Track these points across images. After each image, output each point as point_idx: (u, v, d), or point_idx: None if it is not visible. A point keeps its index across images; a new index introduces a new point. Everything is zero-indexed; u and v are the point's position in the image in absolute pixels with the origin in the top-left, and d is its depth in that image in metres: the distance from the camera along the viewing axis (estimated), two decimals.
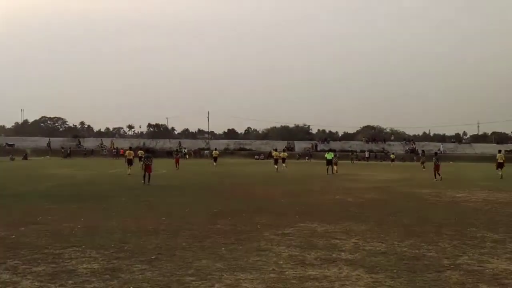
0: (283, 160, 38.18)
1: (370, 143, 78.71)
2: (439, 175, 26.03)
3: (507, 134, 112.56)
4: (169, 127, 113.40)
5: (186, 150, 69.16)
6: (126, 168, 28.89)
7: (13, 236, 8.49)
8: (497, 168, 29.17)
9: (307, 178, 26.79)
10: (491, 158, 60.84)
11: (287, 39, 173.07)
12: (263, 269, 6.46)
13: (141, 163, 23.47)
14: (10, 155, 54.36)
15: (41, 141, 78.16)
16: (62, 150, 67.11)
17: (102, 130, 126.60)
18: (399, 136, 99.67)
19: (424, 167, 37.69)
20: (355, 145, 77.66)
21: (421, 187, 20.74)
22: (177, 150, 44.11)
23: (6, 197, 15.12)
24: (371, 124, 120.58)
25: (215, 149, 47.99)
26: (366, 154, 64.53)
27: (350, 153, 62.13)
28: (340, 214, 11.80)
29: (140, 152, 32.23)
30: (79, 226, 9.57)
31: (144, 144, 75.76)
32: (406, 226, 10.15)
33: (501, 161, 29.51)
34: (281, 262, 6.84)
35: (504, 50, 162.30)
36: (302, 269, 6.51)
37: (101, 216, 11.15)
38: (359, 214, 11.86)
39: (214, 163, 41.95)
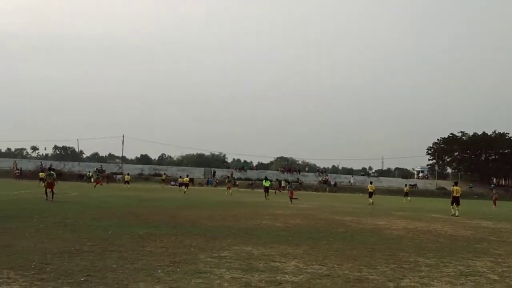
0: (186, 185, 44.79)
1: (285, 173, 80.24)
2: (292, 200, 30.83)
3: (409, 170, 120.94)
4: (78, 150, 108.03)
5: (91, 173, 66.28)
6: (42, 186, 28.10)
7: None
8: (369, 197, 34.58)
9: (229, 204, 26.34)
10: (396, 192, 64.69)
11: (203, 69, 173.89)
12: None
13: (44, 181, 24.91)
14: None
15: None
16: None
17: (3, 150, 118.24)
18: (311, 168, 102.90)
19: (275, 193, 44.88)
20: (271, 174, 78.74)
21: (342, 215, 21.15)
22: (98, 173, 45.65)
23: None
24: (285, 156, 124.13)
25: (128, 174, 53.50)
26: (283, 183, 65.51)
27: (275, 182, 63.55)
28: (272, 238, 11.54)
29: (41, 174, 32.28)
30: None
31: (51, 165, 71.56)
32: (340, 250, 10.11)
33: (371, 190, 35.37)
34: (226, 285, 6.40)
35: (407, 89, 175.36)
36: None
37: (12, 236, 9.98)
38: (291, 238, 11.68)
39: (127, 186, 42.90)
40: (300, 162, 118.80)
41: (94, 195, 29.63)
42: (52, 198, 22.06)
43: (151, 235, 11.24)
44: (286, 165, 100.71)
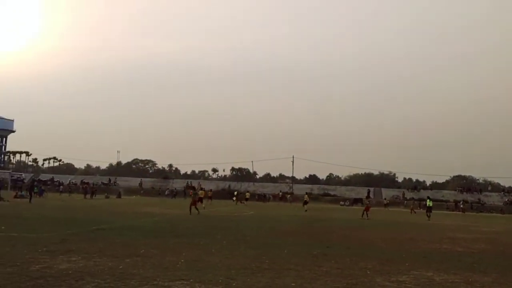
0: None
1: (464, 193, 74.02)
2: (367, 215, 30.83)
3: None
4: (252, 171, 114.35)
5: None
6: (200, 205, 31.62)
7: (121, 267, 8.48)
8: None
9: (402, 225, 25.19)
10: None
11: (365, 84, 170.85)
12: None
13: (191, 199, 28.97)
14: (106, 194, 57.17)
15: (133, 181, 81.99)
16: (172, 190, 70.12)
17: (189, 172, 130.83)
18: (495, 187, 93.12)
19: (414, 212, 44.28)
20: (448, 194, 73.41)
21: None
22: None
23: (106, 230, 15.52)
24: (462, 174, 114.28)
25: (306, 193, 51.31)
26: (461, 205, 60.51)
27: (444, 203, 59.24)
28: (454, 264, 10.73)
29: (201, 192, 35.51)
30: (182, 261, 9.43)
31: (229, 186, 77.44)
32: None
33: None
34: None
35: None
36: None
37: (201, 251, 10.99)
38: (476, 265, 10.71)
39: (304, 207, 43.90)
40: (481, 180, 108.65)
41: (269, 214, 31.06)
42: (197, 212, 26.36)
43: (325, 255, 11.35)
44: (464, 184, 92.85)
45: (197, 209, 26.88)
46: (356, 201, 67.07)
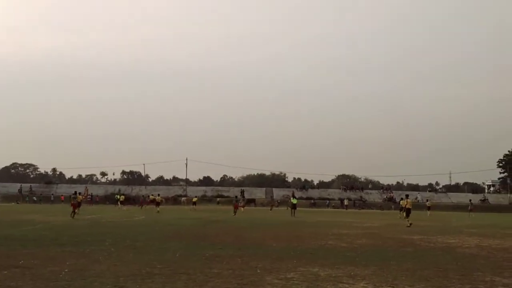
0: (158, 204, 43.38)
1: (348, 191, 78.89)
2: (235, 212, 36.78)
3: (479, 184, 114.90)
4: (144, 174, 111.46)
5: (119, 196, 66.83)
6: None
7: None
8: (400, 211, 35.05)
9: (291, 224, 26.18)
10: (466, 207, 61.61)
11: (265, 92, 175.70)
12: None
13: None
14: None
15: (12, 187, 75.84)
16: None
17: (75, 177, 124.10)
18: (375, 185, 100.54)
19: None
20: (333, 193, 77.73)
21: (410, 233, 20.49)
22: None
23: None
24: (346, 173, 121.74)
25: (195, 196, 55.90)
26: (346, 202, 64.43)
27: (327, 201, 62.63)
28: (338, 259, 11.35)
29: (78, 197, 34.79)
30: (66, 270, 8.87)
31: (119, 190, 74.70)
32: (411, 270, 9.78)
33: (409, 207, 33.71)
34: None
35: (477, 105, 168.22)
36: None
37: (87, 260, 10.43)
38: (358, 259, 11.43)
39: (194, 207, 44.74)
40: (362, 179, 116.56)
41: (161, 218, 30.46)
42: (73, 216, 27.21)
43: (218, 256, 11.39)
44: (348, 183, 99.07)
45: (74, 213, 27.77)
46: (249, 201, 68.48)
